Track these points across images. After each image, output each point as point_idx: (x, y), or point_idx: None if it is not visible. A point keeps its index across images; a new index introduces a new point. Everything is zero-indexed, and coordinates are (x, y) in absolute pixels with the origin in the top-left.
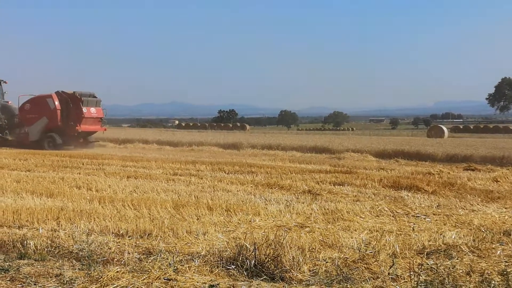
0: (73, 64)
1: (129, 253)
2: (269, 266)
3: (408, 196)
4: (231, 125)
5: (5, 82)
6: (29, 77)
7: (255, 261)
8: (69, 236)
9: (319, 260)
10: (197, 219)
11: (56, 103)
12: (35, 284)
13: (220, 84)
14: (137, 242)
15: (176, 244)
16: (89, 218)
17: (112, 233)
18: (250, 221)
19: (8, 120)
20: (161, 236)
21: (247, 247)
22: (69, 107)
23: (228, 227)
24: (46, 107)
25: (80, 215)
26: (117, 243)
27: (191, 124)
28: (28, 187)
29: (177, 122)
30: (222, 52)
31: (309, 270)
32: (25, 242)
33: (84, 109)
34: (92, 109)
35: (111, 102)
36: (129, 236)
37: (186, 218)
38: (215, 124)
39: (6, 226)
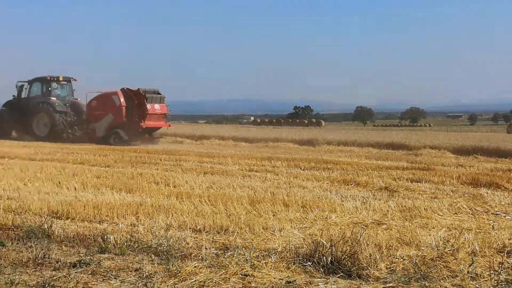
0: (140, 62)
1: (206, 248)
2: (346, 263)
3: (487, 193)
4: (306, 121)
5: (74, 80)
6: (97, 75)
7: (331, 258)
8: (148, 231)
9: (396, 258)
10: (273, 215)
11: (122, 100)
12: (115, 278)
13: (296, 80)
14: (214, 238)
15: (252, 240)
16: (167, 214)
17: (190, 228)
18: (326, 217)
19: (76, 117)
20: (237, 232)
21: (323, 244)
22: (133, 104)
23: (304, 224)
24: (112, 104)
25: (159, 211)
26: (194, 238)
27: (266, 120)
28: (108, 182)
29: (252, 118)
30: (298, 48)
31: (386, 268)
32: (105, 236)
33: (148, 106)
34: (156, 106)
35: (194, 99)
36: (206, 232)
37: (262, 214)
38: (290, 120)
39: (87, 221)
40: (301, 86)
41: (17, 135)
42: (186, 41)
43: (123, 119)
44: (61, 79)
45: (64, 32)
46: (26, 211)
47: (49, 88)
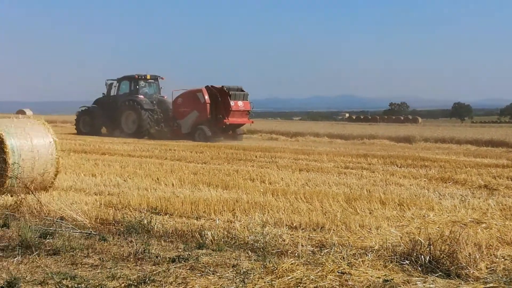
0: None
1: (302, 245)
2: (444, 263)
3: None
4: (402, 118)
5: (161, 78)
6: (183, 74)
7: (429, 257)
8: (244, 228)
9: (497, 258)
10: (370, 213)
11: (206, 97)
12: (213, 274)
13: (392, 76)
14: (310, 235)
15: (349, 237)
16: (263, 210)
17: (286, 225)
18: (423, 216)
19: (163, 114)
20: (333, 230)
21: (421, 243)
22: (217, 101)
23: (401, 222)
24: (197, 101)
25: (255, 207)
26: (290, 235)
27: (361, 117)
28: (205, 179)
29: (347, 115)
30: (394, 45)
31: (486, 268)
32: (203, 232)
33: (232, 103)
34: (240, 103)
35: (286, 96)
36: (302, 229)
37: (359, 212)
38: (386, 117)
39: (185, 217)
40: (397, 82)
41: (107, 131)
42: (291, 39)
43: (207, 116)
44: (148, 77)
45: (150, 32)
46: (126, 207)
47: (137, 86)
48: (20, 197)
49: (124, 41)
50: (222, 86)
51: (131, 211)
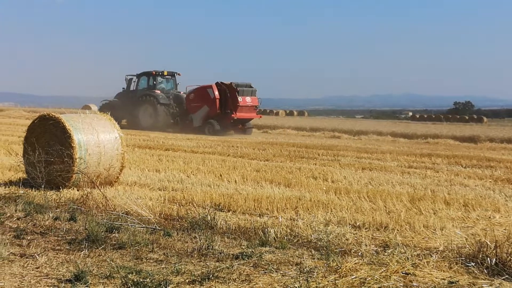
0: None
1: (366, 245)
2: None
3: None
4: (467, 117)
5: (178, 74)
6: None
7: (496, 260)
8: (307, 226)
9: None
10: (434, 213)
11: (216, 93)
12: (276, 271)
13: (457, 74)
14: (374, 235)
15: (413, 238)
16: (326, 209)
17: (349, 224)
18: (489, 217)
19: (179, 108)
20: (397, 230)
21: (487, 245)
22: (226, 97)
23: (466, 223)
24: (207, 96)
25: (317, 206)
26: (353, 234)
27: (425, 116)
28: (267, 176)
29: (410, 113)
30: (457, 42)
31: None
32: (266, 230)
33: (240, 98)
34: (248, 98)
35: (349, 93)
36: (365, 228)
37: (423, 212)
38: (450, 116)
39: (248, 214)
40: (463, 80)
41: (127, 124)
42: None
43: (217, 110)
44: (165, 73)
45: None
46: (189, 203)
47: (154, 82)
48: (86, 192)
49: (142, 41)
50: (231, 83)
51: (194, 207)
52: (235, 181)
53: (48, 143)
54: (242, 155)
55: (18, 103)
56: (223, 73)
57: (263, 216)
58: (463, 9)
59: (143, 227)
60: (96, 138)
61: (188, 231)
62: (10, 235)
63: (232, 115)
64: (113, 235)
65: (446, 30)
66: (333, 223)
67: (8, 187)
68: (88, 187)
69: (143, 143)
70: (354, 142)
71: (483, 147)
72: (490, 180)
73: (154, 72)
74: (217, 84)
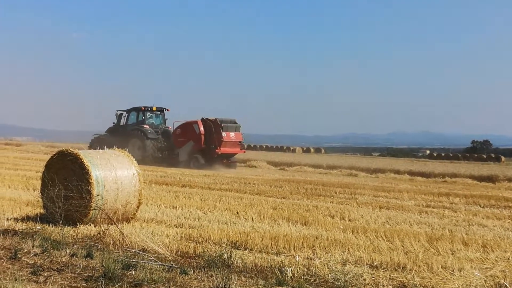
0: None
1: (383, 286)
2: None
3: None
4: (484, 156)
5: (167, 110)
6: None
7: None
8: (324, 265)
9: None
10: (452, 254)
11: (201, 128)
12: None
13: (476, 112)
14: (391, 275)
15: (431, 279)
16: (343, 248)
17: (366, 264)
18: (508, 258)
19: (167, 143)
20: (415, 270)
21: (506, 287)
22: (211, 132)
23: (484, 264)
24: (193, 132)
25: (335, 245)
26: (371, 274)
27: (442, 154)
28: (284, 214)
29: (428, 151)
30: (476, 79)
31: None
32: (283, 269)
33: (224, 134)
34: (232, 134)
35: (365, 131)
36: (383, 268)
37: (441, 252)
38: (468, 155)
39: (265, 252)
40: (481, 118)
41: None
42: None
43: (202, 145)
44: (154, 109)
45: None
46: (206, 240)
47: (143, 117)
48: (103, 228)
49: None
50: (216, 119)
51: (211, 245)
52: (252, 218)
53: (66, 178)
54: (259, 192)
55: (37, 137)
56: (234, 109)
57: (280, 254)
58: (482, 46)
59: (159, 264)
60: (113, 174)
61: (204, 269)
62: (27, 271)
63: (216, 150)
64: (130, 272)
65: (466, 67)
66: (350, 262)
67: (26, 222)
68: (105, 223)
69: (160, 179)
70: (371, 180)
71: (501, 186)
72: (509, 220)
73: (143, 108)
74: (202, 120)
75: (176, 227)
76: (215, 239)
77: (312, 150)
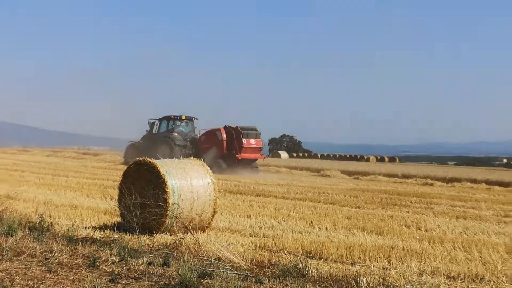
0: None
1: None
2: None
3: None
4: None
5: (196, 119)
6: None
7: None
8: (400, 276)
9: None
10: None
11: (224, 135)
12: None
13: None
14: (469, 286)
15: None
16: (420, 258)
17: (443, 275)
18: None
19: (194, 149)
20: (494, 281)
21: None
22: (232, 139)
23: None
24: (216, 139)
25: (411, 255)
26: (448, 285)
27: None
28: (359, 224)
29: (505, 160)
30: None
31: None
32: (358, 279)
33: (244, 140)
34: (252, 140)
35: (442, 139)
36: (460, 279)
37: None
38: None
39: (340, 262)
40: None
41: None
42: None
43: (224, 151)
44: (183, 118)
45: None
46: (281, 250)
47: (173, 125)
48: (179, 237)
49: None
50: (237, 126)
51: (286, 254)
52: (326, 228)
53: (143, 187)
54: (333, 201)
55: (114, 146)
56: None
57: (355, 264)
58: None
59: (235, 273)
60: (189, 183)
61: (279, 279)
62: (105, 279)
63: (237, 155)
64: (205, 281)
65: None
66: (427, 273)
67: (104, 231)
68: (180, 232)
69: (234, 188)
70: (448, 190)
71: None
72: None
73: (173, 117)
74: (225, 127)
75: (250, 236)
76: (289, 248)
77: (386, 159)
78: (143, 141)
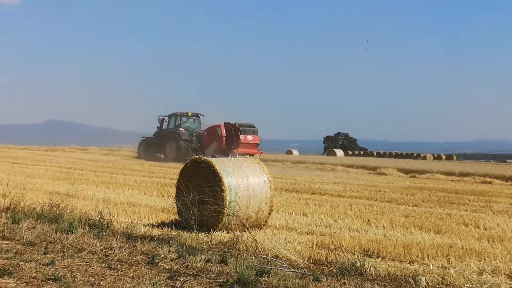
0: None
1: None
2: None
3: None
4: None
5: (202, 115)
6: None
7: None
8: (459, 275)
9: None
10: None
11: (223, 131)
12: None
13: None
14: None
15: None
16: (479, 257)
17: (504, 274)
18: None
19: (200, 144)
20: None
21: None
22: (231, 134)
23: None
24: (216, 134)
25: (470, 254)
26: (509, 285)
27: None
28: (416, 222)
29: None
30: None
31: None
32: (416, 277)
33: (242, 136)
34: (249, 136)
35: (499, 137)
36: None
37: None
38: None
39: (398, 260)
40: None
41: (163, 157)
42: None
43: (223, 146)
44: (189, 114)
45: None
46: (338, 248)
47: (180, 122)
48: (236, 234)
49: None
50: (235, 123)
51: (343, 253)
52: (383, 226)
53: (199, 185)
54: (389, 200)
55: None
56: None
57: (413, 263)
58: None
59: (292, 271)
60: (245, 181)
61: (337, 277)
62: (164, 276)
63: (234, 150)
64: (263, 279)
65: None
66: (487, 272)
67: (162, 229)
68: (237, 230)
69: (290, 186)
70: (507, 188)
71: None
72: None
73: (180, 113)
74: (224, 124)
75: (307, 234)
76: (346, 246)
77: (443, 157)
78: (155, 137)
